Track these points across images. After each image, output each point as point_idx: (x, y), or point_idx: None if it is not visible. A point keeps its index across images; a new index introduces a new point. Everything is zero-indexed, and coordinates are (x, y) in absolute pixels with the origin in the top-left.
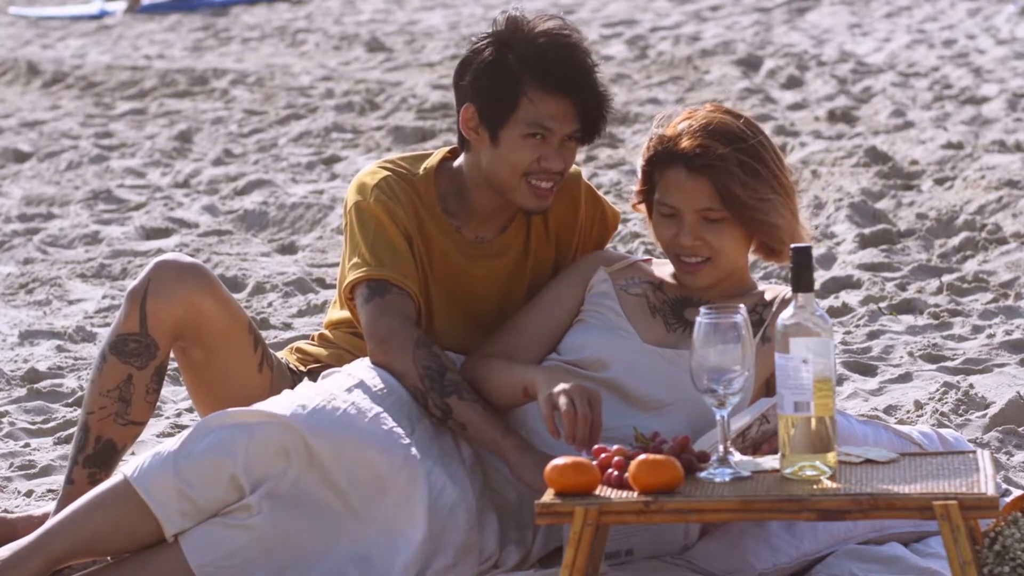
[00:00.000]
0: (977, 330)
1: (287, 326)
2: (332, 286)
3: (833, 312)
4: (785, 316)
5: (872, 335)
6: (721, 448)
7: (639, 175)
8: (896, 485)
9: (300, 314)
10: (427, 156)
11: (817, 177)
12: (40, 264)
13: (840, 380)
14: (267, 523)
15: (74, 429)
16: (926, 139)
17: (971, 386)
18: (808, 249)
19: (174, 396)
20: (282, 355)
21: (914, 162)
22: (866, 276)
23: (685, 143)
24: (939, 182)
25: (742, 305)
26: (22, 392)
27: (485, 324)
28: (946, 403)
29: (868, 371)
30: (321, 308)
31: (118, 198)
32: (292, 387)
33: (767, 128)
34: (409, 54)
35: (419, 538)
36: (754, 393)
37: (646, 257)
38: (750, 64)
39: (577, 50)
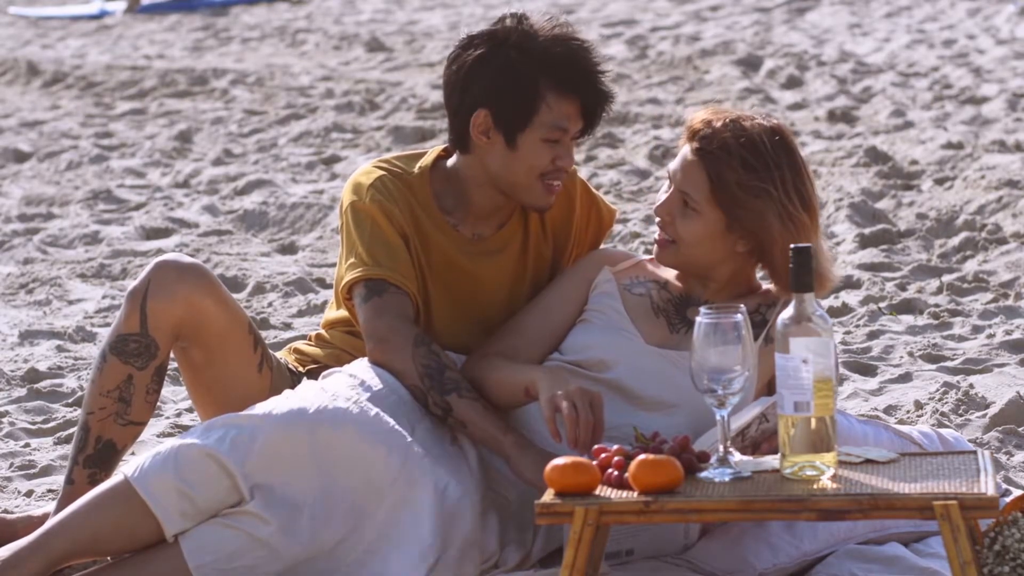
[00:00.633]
0: (977, 330)
1: (287, 326)
2: (332, 286)
3: (833, 312)
4: (785, 316)
5: (872, 335)
6: (721, 448)
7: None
8: (896, 485)
9: (300, 314)
10: (422, 155)
11: (817, 177)
12: (40, 264)
13: (840, 380)
14: (267, 524)
15: (74, 429)
16: (926, 139)
17: (971, 386)
18: (808, 249)
19: (174, 396)
20: (280, 355)
21: (914, 162)
22: (866, 276)
23: (699, 123)
24: (939, 182)
25: (742, 305)
26: (22, 392)
27: (488, 324)
28: (946, 403)
29: (868, 371)
30: (321, 308)
31: (118, 198)
32: (292, 387)
33: None
34: (409, 54)
35: (426, 540)
36: (756, 394)
37: (651, 256)
38: (750, 64)
39: (589, 52)
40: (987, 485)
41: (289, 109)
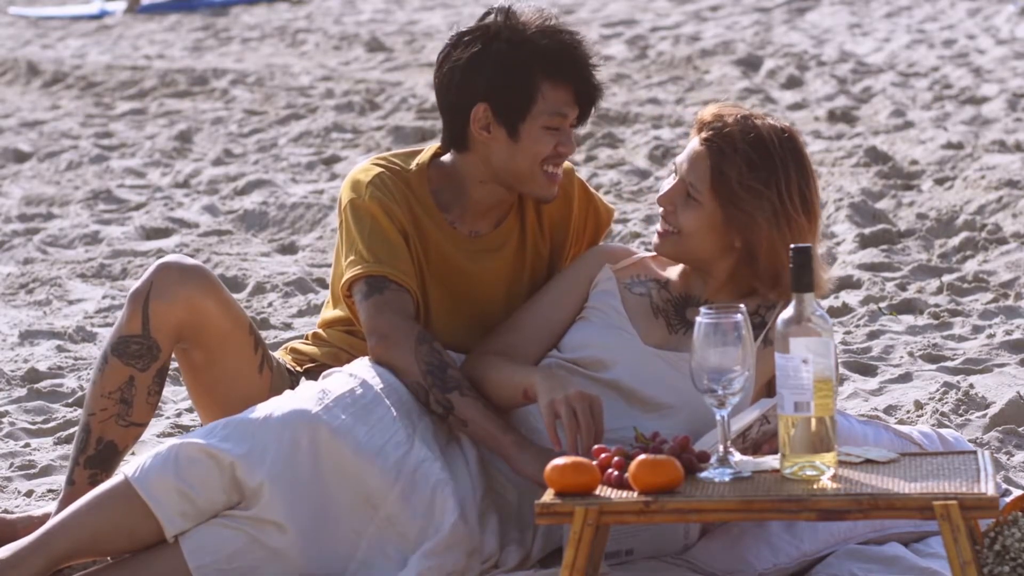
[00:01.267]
0: (977, 330)
1: (287, 326)
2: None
3: (833, 312)
4: (785, 316)
5: (872, 335)
6: (721, 448)
7: None
8: (896, 485)
9: (300, 314)
10: (419, 152)
11: (817, 177)
12: (40, 264)
13: (840, 380)
14: (268, 525)
15: (74, 429)
16: (926, 139)
17: (971, 386)
18: (808, 249)
19: (174, 396)
20: (277, 355)
21: (914, 162)
22: (866, 276)
23: (709, 116)
24: (939, 182)
25: (742, 305)
26: (22, 392)
27: (486, 322)
28: (946, 403)
29: (868, 371)
30: (321, 308)
31: (118, 198)
32: (291, 387)
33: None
34: (409, 54)
35: (424, 545)
36: (755, 395)
37: (651, 254)
38: (750, 64)
39: (578, 42)
40: (987, 485)
41: (289, 109)
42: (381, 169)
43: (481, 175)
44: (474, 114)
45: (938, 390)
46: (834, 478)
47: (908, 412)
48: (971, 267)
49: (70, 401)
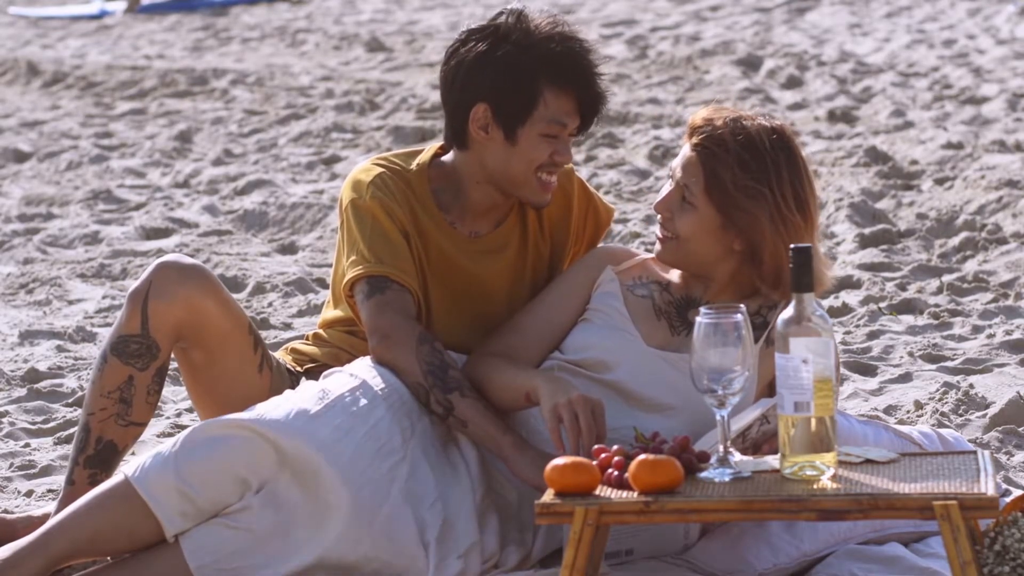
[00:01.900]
0: (977, 330)
1: (287, 326)
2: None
3: (833, 312)
4: (785, 316)
5: (872, 335)
6: (721, 448)
7: None
8: (896, 485)
9: (300, 314)
10: (419, 152)
11: (817, 177)
12: (40, 264)
13: (840, 380)
14: (268, 525)
15: (74, 429)
16: (926, 139)
17: (971, 386)
18: (808, 249)
19: (174, 396)
20: (278, 355)
21: (914, 162)
22: (866, 276)
23: (700, 120)
24: (939, 182)
25: (742, 305)
26: (22, 392)
27: (487, 322)
28: (946, 403)
29: (868, 371)
30: (321, 308)
31: (118, 198)
32: (291, 387)
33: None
34: (409, 54)
35: (420, 552)
36: (756, 396)
37: (652, 255)
38: (750, 64)
39: (587, 50)
40: (987, 485)
41: (289, 109)
42: (382, 169)
43: (478, 176)
44: (474, 113)
45: (938, 390)
46: (834, 478)
47: (908, 412)
48: (971, 267)
49: (70, 401)
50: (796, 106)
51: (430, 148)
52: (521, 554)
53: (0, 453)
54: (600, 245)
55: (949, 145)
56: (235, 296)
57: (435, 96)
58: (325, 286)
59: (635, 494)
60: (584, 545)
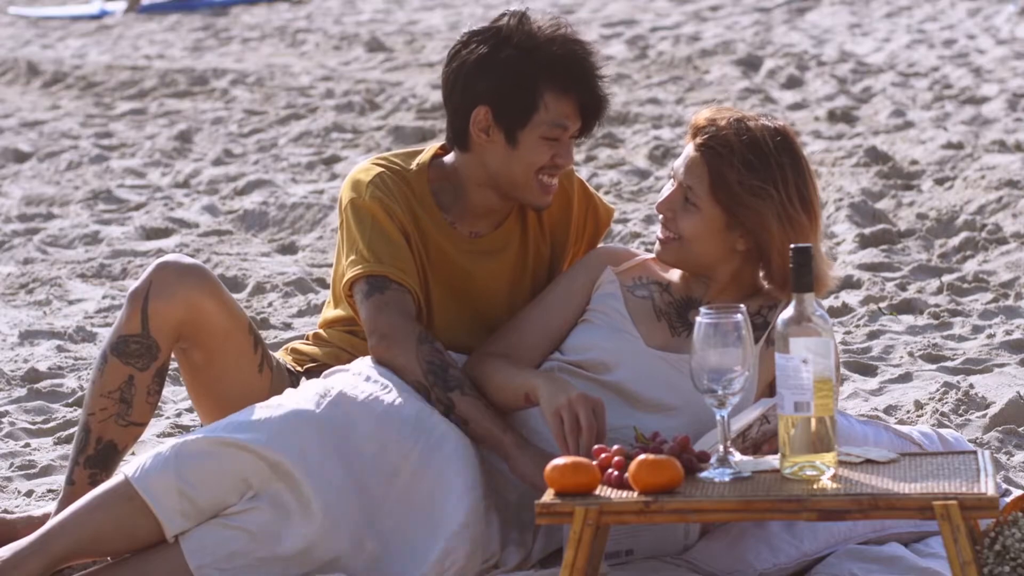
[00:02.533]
0: (977, 330)
1: (287, 326)
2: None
3: (833, 312)
4: (785, 316)
5: (872, 335)
6: (721, 448)
7: None
8: (896, 485)
9: (300, 314)
10: (419, 152)
11: (817, 177)
12: (40, 264)
13: (841, 380)
14: (268, 525)
15: (74, 429)
16: (926, 139)
17: (971, 386)
18: (808, 249)
19: (174, 396)
20: (278, 355)
21: (914, 162)
22: (866, 276)
23: (703, 120)
24: (939, 182)
25: (742, 305)
26: (22, 392)
27: (488, 323)
28: (946, 403)
29: (868, 371)
30: (321, 308)
31: (118, 198)
32: (292, 387)
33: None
34: (409, 54)
35: (421, 550)
36: (757, 396)
37: (653, 255)
38: (750, 64)
39: (589, 54)
40: (987, 485)
41: (289, 109)
42: (382, 169)
43: (479, 177)
44: (475, 116)
45: (938, 390)
46: (834, 478)
47: (908, 412)
48: (971, 267)
49: (70, 401)
50: (796, 106)
51: (430, 148)
52: (521, 554)
53: (0, 453)
54: (600, 245)
55: (949, 145)
56: (235, 296)
57: (435, 96)
58: (325, 286)
59: (635, 494)
60: (584, 545)
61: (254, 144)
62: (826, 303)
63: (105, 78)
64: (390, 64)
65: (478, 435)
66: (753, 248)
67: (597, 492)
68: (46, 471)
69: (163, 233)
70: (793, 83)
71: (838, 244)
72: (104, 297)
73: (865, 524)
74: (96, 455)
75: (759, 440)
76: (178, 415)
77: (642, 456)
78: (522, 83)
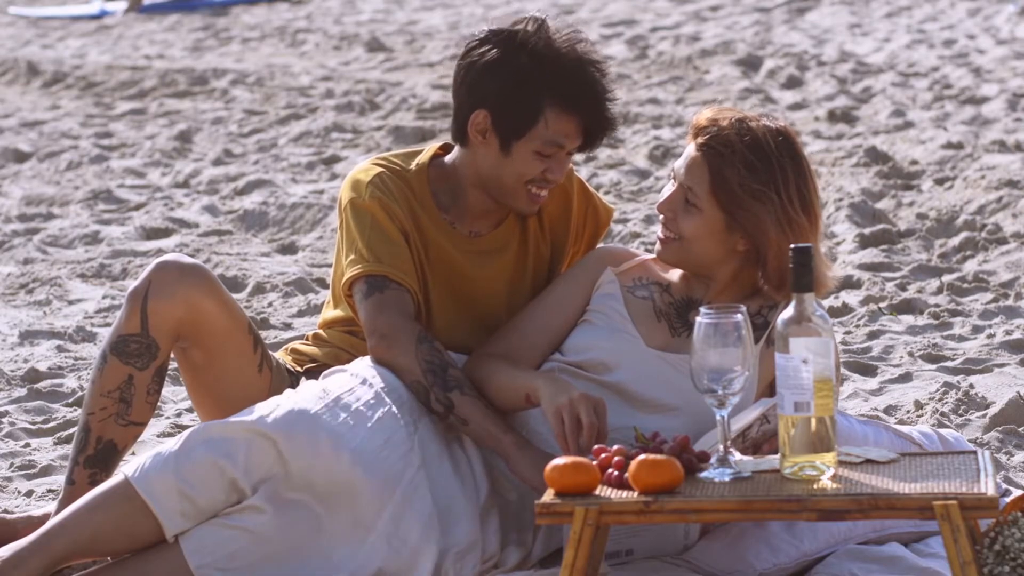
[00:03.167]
0: (977, 330)
1: (287, 326)
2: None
3: (833, 312)
4: (785, 316)
5: (872, 335)
6: (721, 448)
7: None
8: (896, 485)
9: (300, 314)
10: (419, 152)
11: (817, 177)
12: (40, 264)
13: (841, 380)
14: (268, 525)
15: (74, 429)
16: (926, 139)
17: (971, 386)
18: (808, 249)
19: (174, 396)
20: (278, 355)
21: (914, 162)
22: (866, 276)
23: (704, 121)
24: (939, 182)
25: (742, 305)
26: (22, 392)
27: (488, 323)
28: (946, 403)
29: (868, 371)
30: (321, 308)
31: (118, 198)
32: (292, 387)
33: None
34: (409, 54)
35: (423, 546)
36: (757, 396)
37: (653, 256)
38: (750, 64)
39: (601, 75)
40: (987, 485)
41: (289, 109)
42: (381, 169)
43: (472, 178)
44: (474, 117)
45: (938, 390)
46: (834, 478)
47: (908, 412)
48: (971, 267)
49: (70, 401)
50: (796, 106)
51: (430, 148)
52: (521, 554)
53: (0, 453)
54: (600, 245)
55: (949, 145)
56: (235, 296)
57: (435, 96)
58: (325, 286)
59: (635, 494)
60: (584, 545)
61: (254, 144)
62: (826, 303)
63: (105, 78)
64: (390, 64)
65: (478, 435)
66: (752, 249)
67: (597, 492)
68: (46, 471)
69: (163, 233)
70: (793, 83)
71: (838, 244)
72: (104, 297)
73: (865, 524)
74: (96, 455)
75: (759, 440)
76: (178, 415)
77: (642, 456)
78: (526, 95)
